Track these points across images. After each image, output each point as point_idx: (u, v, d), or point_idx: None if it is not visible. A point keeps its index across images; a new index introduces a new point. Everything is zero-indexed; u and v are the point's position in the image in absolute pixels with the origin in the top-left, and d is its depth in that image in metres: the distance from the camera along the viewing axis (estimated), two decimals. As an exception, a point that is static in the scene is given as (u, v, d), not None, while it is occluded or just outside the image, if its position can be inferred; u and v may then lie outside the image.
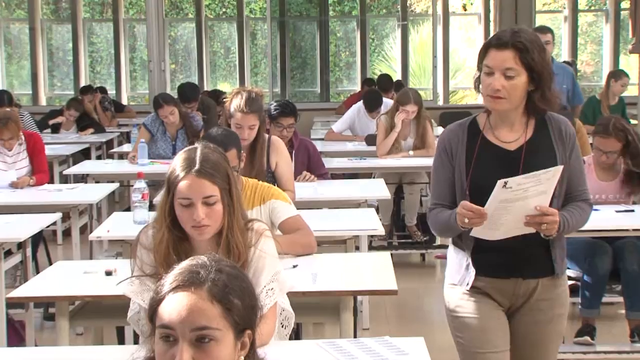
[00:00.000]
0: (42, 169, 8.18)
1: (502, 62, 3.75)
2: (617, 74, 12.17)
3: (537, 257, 3.86)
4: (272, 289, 3.55)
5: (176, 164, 3.46)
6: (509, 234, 3.69)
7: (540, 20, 17.65)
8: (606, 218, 6.18)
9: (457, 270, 3.90)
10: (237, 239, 3.50)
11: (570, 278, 6.65)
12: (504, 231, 3.68)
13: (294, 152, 7.05)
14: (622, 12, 17.12)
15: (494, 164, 3.83)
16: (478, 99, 16.21)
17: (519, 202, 3.57)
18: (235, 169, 4.31)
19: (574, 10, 17.86)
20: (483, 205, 3.61)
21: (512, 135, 3.89)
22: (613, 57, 17.53)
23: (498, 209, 3.59)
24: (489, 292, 3.86)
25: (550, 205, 3.69)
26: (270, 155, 5.98)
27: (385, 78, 13.93)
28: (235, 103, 5.68)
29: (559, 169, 3.61)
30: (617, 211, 6.30)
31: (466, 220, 3.61)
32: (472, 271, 3.82)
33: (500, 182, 3.53)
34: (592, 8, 18.47)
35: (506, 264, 3.81)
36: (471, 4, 18.13)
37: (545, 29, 9.36)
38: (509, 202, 3.56)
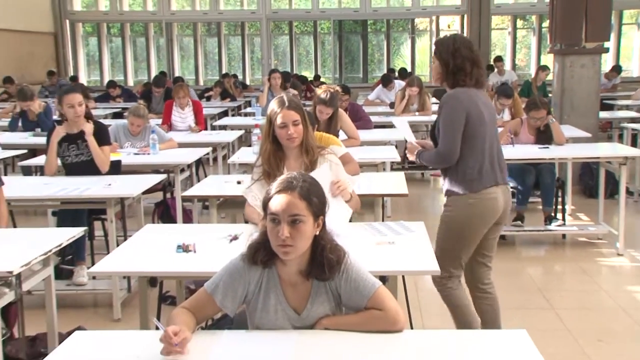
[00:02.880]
0: (201, 122, 8.30)
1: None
2: (543, 68, 12.12)
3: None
4: (349, 182, 3.55)
5: (274, 105, 3.48)
6: None
7: (494, 34, 17.32)
8: (532, 152, 6.15)
9: None
10: (311, 143, 3.54)
11: (510, 187, 6.62)
12: None
13: (348, 111, 7.04)
14: (543, 29, 16.74)
15: None
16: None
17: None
18: None
19: (514, 27, 17.52)
20: None
21: None
22: (537, 56, 17.21)
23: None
24: None
25: (433, 135, 3.64)
26: (337, 125, 5.94)
27: (404, 71, 14.16)
28: (322, 96, 5.66)
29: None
30: (539, 148, 6.23)
31: None
32: None
33: None
34: (525, 26, 18.04)
35: None
36: (453, 24, 17.79)
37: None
38: None
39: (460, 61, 3.50)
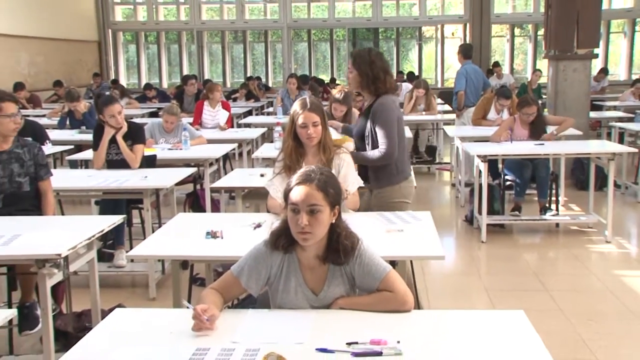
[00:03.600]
0: (228, 121, 8.24)
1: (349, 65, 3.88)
2: (536, 72, 12.03)
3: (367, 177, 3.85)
4: (354, 182, 3.53)
5: (297, 106, 3.45)
6: None
7: (493, 41, 17.14)
8: (529, 148, 6.12)
9: None
10: (328, 142, 3.50)
11: (508, 180, 6.58)
12: None
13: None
14: (538, 37, 16.54)
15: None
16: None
17: None
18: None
19: (512, 35, 17.32)
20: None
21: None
22: (533, 61, 17.01)
23: None
24: None
25: (363, 136, 3.84)
26: (351, 120, 5.93)
27: (412, 74, 14.17)
28: (337, 96, 5.70)
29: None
30: (535, 144, 6.19)
31: None
32: None
33: None
34: (522, 34, 17.85)
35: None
36: (456, 31, 17.63)
37: (459, 47, 9.00)
38: None
39: (376, 71, 3.75)
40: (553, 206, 6.39)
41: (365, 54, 3.81)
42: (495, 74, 13.80)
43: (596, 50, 8.36)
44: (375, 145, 3.79)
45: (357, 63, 3.78)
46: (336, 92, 5.85)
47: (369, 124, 3.80)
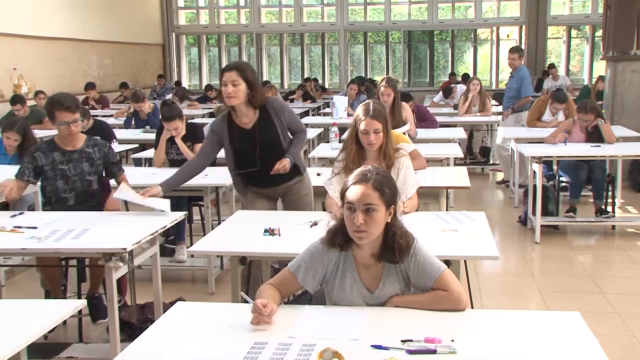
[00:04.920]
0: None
1: (229, 77, 3.62)
2: (602, 77, 11.67)
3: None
4: (413, 184, 3.50)
5: (360, 111, 3.43)
6: None
7: (549, 43, 16.73)
8: (584, 150, 5.97)
9: None
10: (389, 149, 3.46)
11: (563, 182, 6.42)
12: None
13: (415, 113, 6.97)
14: (596, 38, 16.06)
15: (240, 136, 3.76)
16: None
17: None
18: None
19: (569, 37, 16.86)
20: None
21: (247, 120, 3.75)
22: (590, 63, 16.54)
23: None
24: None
25: (279, 139, 3.80)
26: (401, 111, 5.90)
27: (467, 76, 13.71)
28: (383, 82, 5.72)
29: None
30: (591, 146, 6.03)
31: None
32: None
33: None
34: (579, 35, 17.37)
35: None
36: (512, 34, 17.27)
37: (514, 49, 8.70)
38: None
39: (258, 82, 3.80)
40: (609, 208, 6.20)
41: (249, 66, 3.75)
42: (550, 76, 13.47)
43: (656, 51, 8.10)
44: (288, 137, 3.90)
45: (246, 75, 3.65)
46: (383, 77, 6.11)
47: (276, 123, 3.78)
